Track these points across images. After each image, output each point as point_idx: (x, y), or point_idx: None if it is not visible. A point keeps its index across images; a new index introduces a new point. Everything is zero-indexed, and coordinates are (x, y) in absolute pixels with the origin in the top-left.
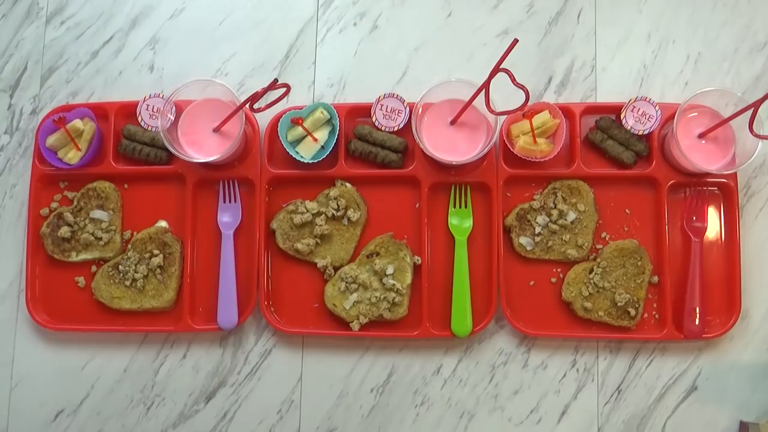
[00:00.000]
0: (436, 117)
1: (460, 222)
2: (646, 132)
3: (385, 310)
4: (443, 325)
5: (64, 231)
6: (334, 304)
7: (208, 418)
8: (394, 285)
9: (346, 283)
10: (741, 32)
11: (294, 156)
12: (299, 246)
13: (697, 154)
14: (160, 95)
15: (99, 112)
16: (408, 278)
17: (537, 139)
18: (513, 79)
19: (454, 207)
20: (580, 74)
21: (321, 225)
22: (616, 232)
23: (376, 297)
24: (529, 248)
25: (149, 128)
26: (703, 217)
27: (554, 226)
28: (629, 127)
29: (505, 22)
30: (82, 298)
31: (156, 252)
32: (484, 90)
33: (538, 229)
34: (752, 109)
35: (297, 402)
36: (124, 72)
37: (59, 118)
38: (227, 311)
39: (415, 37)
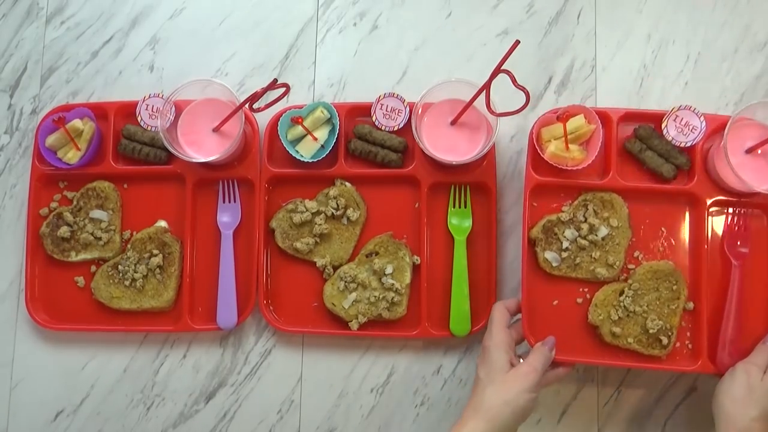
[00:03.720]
0: (436, 117)
1: (460, 222)
2: (689, 144)
3: (384, 309)
4: (442, 325)
5: (64, 231)
6: (333, 304)
7: (208, 418)
8: (393, 284)
9: (345, 282)
10: (741, 32)
11: (294, 155)
12: (298, 245)
13: (746, 171)
14: (160, 95)
15: (99, 112)
16: (407, 278)
17: (569, 145)
18: (514, 81)
19: (454, 207)
20: (580, 74)
21: (320, 224)
22: (651, 252)
23: (375, 296)
24: (554, 264)
25: (149, 128)
26: (745, 241)
27: (583, 242)
28: (671, 138)
29: (505, 23)
30: (82, 298)
31: (155, 252)
32: (484, 91)
33: (565, 244)
34: None
35: (297, 402)
36: (124, 72)
37: (59, 118)
38: (227, 311)
39: (415, 37)
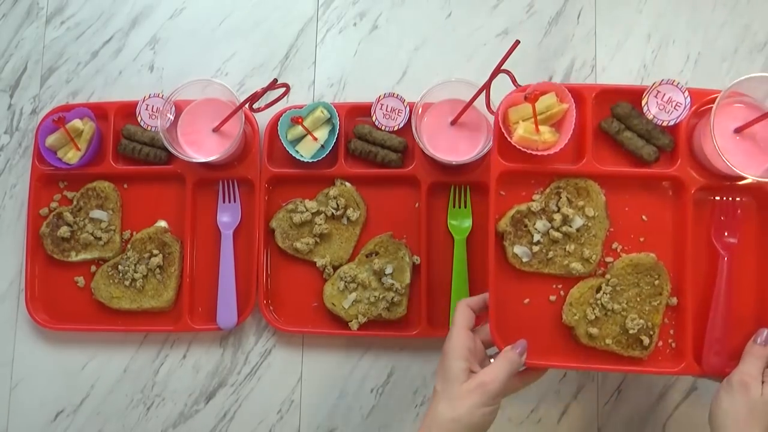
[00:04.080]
0: (436, 117)
1: (460, 222)
2: (672, 123)
3: (384, 309)
4: (442, 325)
5: (64, 231)
6: (333, 304)
7: (208, 418)
8: (393, 284)
9: (345, 282)
10: (741, 32)
11: (294, 155)
12: (298, 245)
13: (734, 154)
14: (160, 95)
15: (99, 112)
16: (407, 278)
17: (540, 127)
18: (514, 81)
19: (454, 207)
20: (580, 74)
21: (320, 224)
22: (630, 244)
23: (375, 296)
24: (525, 259)
25: (149, 128)
26: (734, 231)
27: (556, 234)
28: (651, 117)
29: (505, 22)
30: (82, 298)
31: (155, 252)
32: (484, 91)
33: (536, 237)
34: None
35: (297, 402)
36: (124, 72)
37: (59, 118)
38: (227, 311)
39: (415, 37)
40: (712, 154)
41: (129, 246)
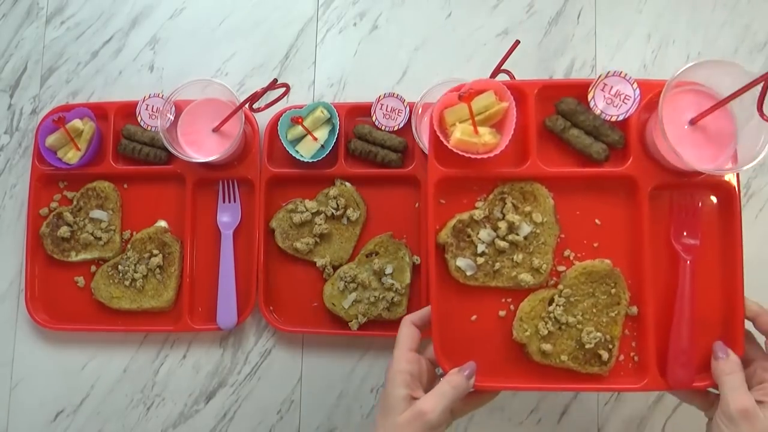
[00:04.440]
0: None
1: None
2: (621, 117)
3: (384, 309)
4: None
5: (64, 231)
6: (333, 304)
7: (208, 418)
8: (393, 284)
9: (345, 282)
10: (741, 32)
11: (294, 155)
12: (298, 245)
13: (688, 147)
14: (160, 95)
15: (98, 112)
16: (407, 278)
17: (479, 128)
18: (514, 80)
19: None
20: (580, 74)
21: (320, 224)
22: (584, 250)
23: (375, 296)
24: (469, 273)
25: (149, 128)
26: (695, 231)
27: (502, 243)
28: (599, 112)
29: (505, 22)
30: (82, 297)
31: (155, 252)
32: None
33: (481, 248)
34: (762, 83)
35: (297, 402)
36: (124, 72)
37: (59, 117)
38: (227, 311)
39: (415, 37)
40: (664, 148)
41: (129, 246)
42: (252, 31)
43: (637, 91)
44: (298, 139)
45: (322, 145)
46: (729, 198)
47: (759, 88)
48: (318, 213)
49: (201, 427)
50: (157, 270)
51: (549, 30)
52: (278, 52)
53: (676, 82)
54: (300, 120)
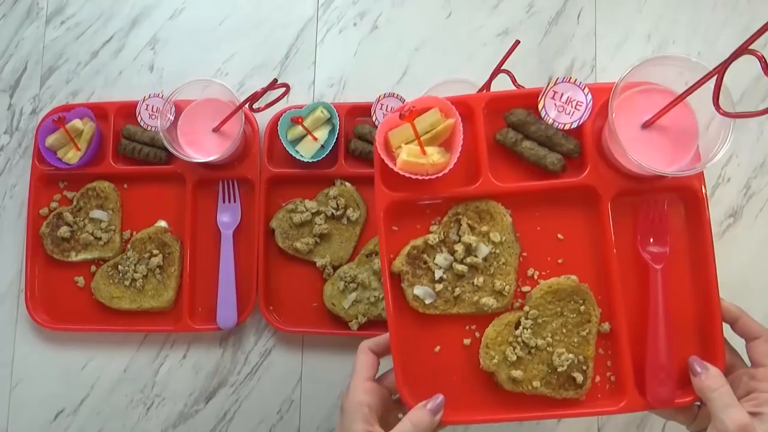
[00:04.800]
0: None
1: None
2: (574, 125)
3: (384, 309)
4: None
5: (64, 231)
6: (333, 304)
7: (208, 418)
8: None
9: (345, 282)
10: (741, 32)
11: (294, 155)
12: (298, 245)
13: (644, 151)
14: (160, 95)
15: (98, 112)
16: None
17: (426, 148)
18: (514, 81)
19: None
20: (580, 74)
21: (320, 224)
22: (548, 267)
23: (375, 296)
24: (428, 301)
25: (149, 128)
26: (663, 238)
27: (461, 267)
28: (551, 121)
29: (505, 22)
30: (82, 298)
31: (155, 252)
32: (485, 91)
33: (438, 274)
34: (715, 76)
35: (297, 402)
36: (124, 72)
37: (59, 117)
38: (227, 311)
39: (415, 37)
40: (618, 153)
41: (129, 246)
42: (252, 31)
43: (589, 97)
44: (298, 139)
45: (322, 145)
46: (695, 200)
47: (715, 82)
48: (318, 213)
49: (201, 427)
50: (157, 270)
51: (549, 30)
52: (278, 52)
53: (625, 84)
54: (300, 120)
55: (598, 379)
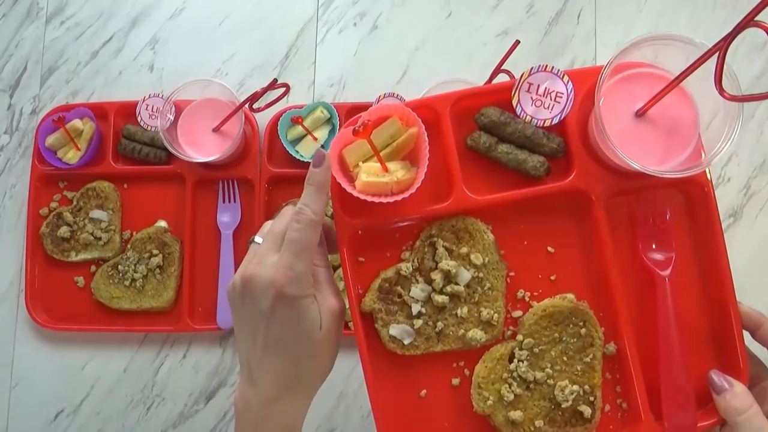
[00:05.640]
0: None
1: None
2: (555, 121)
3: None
4: None
5: (64, 231)
6: None
7: (208, 418)
8: None
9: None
10: (741, 32)
11: (294, 155)
12: None
13: (637, 145)
14: (160, 95)
15: (98, 111)
16: None
17: (387, 164)
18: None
19: None
20: None
21: None
22: (540, 286)
23: None
24: (407, 341)
25: (149, 128)
26: (667, 240)
27: (441, 298)
28: (528, 118)
29: (505, 22)
30: (82, 297)
31: (155, 252)
32: None
33: (416, 308)
34: (717, 54)
35: None
36: (124, 72)
37: (59, 117)
38: (227, 311)
39: (415, 37)
40: (608, 149)
41: (129, 246)
42: (252, 31)
43: (570, 86)
44: (298, 139)
45: (322, 145)
46: (701, 195)
47: (715, 63)
48: None
49: (201, 427)
50: (157, 270)
51: (549, 30)
52: (278, 52)
53: (615, 65)
54: (300, 120)
55: (608, 408)
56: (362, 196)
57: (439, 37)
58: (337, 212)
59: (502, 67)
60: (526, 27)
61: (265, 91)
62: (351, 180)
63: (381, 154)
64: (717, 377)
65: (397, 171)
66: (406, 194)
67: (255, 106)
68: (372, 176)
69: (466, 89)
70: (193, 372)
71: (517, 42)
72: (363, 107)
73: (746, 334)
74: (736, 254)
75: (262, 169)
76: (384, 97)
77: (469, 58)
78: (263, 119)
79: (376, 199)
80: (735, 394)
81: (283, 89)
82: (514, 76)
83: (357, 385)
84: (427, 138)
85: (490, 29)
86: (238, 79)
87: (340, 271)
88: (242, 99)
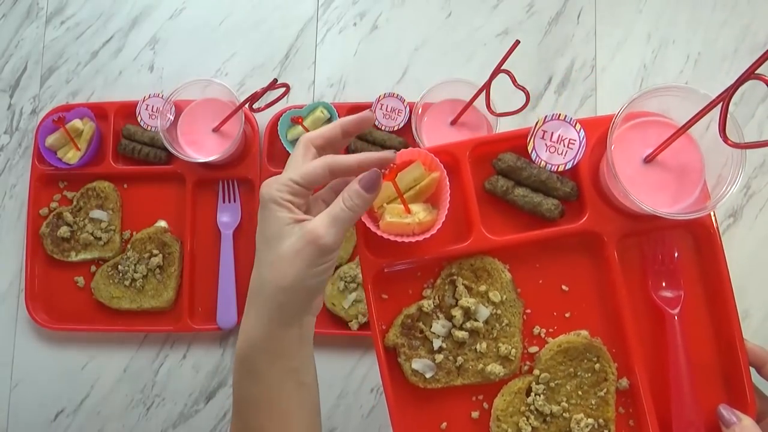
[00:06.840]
0: (436, 117)
1: None
2: (568, 166)
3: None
4: None
5: (64, 231)
6: (333, 303)
7: (208, 418)
8: None
9: (345, 282)
10: (741, 32)
11: None
12: None
13: (647, 189)
14: (160, 95)
15: (98, 111)
16: None
17: (410, 206)
18: (514, 81)
19: None
20: (580, 74)
21: None
22: (555, 323)
23: None
24: (428, 375)
25: (149, 128)
26: (676, 279)
27: (461, 334)
28: (543, 163)
29: (505, 23)
30: (82, 297)
31: (155, 252)
32: (484, 91)
33: (437, 343)
34: (720, 104)
35: None
36: (124, 72)
37: (59, 117)
38: (227, 311)
39: (415, 37)
40: (620, 193)
41: (129, 246)
42: (252, 31)
43: (582, 133)
44: (298, 139)
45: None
46: (707, 236)
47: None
48: None
49: (201, 427)
50: (157, 270)
51: (549, 30)
52: (278, 52)
53: (626, 114)
54: (300, 120)
55: None
56: (386, 236)
57: (439, 37)
58: (362, 251)
59: (502, 68)
60: (526, 27)
61: (265, 91)
62: (376, 220)
63: (404, 196)
64: (726, 411)
65: (419, 212)
66: (428, 234)
67: (255, 106)
68: (395, 217)
69: (484, 136)
70: (193, 372)
71: (517, 42)
72: (363, 107)
73: (752, 370)
74: (736, 254)
75: (262, 169)
76: (384, 97)
77: (469, 58)
78: (263, 119)
79: (399, 239)
80: (743, 428)
81: (283, 89)
82: (514, 77)
83: (357, 385)
84: (448, 182)
85: (489, 29)
86: (238, 79)
87: (340, 270)
88: (242, 99)
